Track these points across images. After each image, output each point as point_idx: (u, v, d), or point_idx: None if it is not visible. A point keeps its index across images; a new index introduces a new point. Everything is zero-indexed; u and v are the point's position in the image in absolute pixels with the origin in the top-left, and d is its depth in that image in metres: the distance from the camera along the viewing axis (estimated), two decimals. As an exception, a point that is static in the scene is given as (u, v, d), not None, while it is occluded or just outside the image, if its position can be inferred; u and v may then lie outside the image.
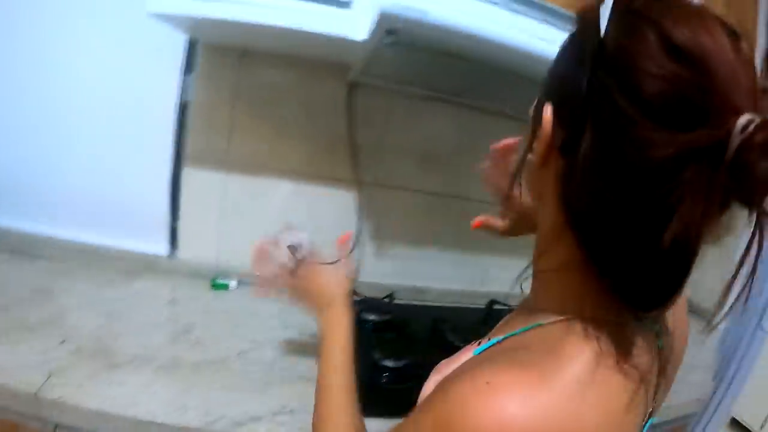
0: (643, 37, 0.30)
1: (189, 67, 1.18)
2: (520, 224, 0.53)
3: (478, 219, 0.72)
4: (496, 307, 1.43)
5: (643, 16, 0.31)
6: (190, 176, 1.23)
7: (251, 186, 1.26)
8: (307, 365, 0.95)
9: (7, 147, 1.19)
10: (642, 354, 0.38)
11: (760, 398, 2.64)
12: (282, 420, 0.78)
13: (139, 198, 1.25)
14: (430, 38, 0.74)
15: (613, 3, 0.33)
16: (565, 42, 0.39)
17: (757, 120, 0.26)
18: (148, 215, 1.26)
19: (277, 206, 1.28)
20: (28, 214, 1.21)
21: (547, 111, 0.36)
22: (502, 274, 1.56)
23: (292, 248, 0.88)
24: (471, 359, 0.42)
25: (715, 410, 1.83)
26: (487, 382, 0.32)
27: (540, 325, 0.39)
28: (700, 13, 0.31)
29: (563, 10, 0.78)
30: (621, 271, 0.34)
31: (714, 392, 1.83)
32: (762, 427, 2.66)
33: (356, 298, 1.26)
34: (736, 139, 0.26)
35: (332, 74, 1.20)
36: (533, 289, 0.45)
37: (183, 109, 1.20)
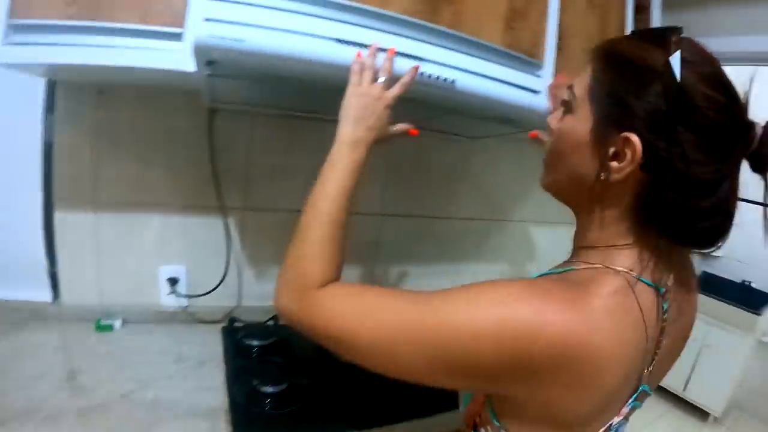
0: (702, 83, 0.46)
1: (51, 107, 1.13)
2: (557, 191, 0.60)
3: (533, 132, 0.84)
4: None
5: (688, 62, 0.46)
6: (62, 219, 1.18)
7: (123, 223, 1.23)
8: (189, 402, 0.95)
9: None
10: (651, 310, 0.49)
11: (677, 364, 2.89)
12: None
13: (15, 246, 1.19)
14: (256, 65, 0.75)
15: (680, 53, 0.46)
16: (638, 83, 0.48)
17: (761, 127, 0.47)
18: (27, 263, 1.20)
19: (151, 240, 1.26)
20: None
21: (635, 139, 0.46)
22: (393, 283, 1.61)
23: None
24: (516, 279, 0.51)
25: None
26: (550, 290, 0.46)
27: (573, 270, 0.52)
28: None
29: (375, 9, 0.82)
30: (688, 232, 0.49)
31: None
32: (684, 389, 2.87)
33: (237, 324, 1.26)
34: (755, 143, 0.46)
35: (189, 103, 1.18)
36: (583, 251, 0.55)
37: (48, 151, 1.15)
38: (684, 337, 0.60)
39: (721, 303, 2.73)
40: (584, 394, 0.46)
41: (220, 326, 1.29)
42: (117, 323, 1.22)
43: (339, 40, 0.78)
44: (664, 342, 0.52)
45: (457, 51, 0.87)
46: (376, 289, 0.56)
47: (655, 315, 0.50)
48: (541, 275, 0.55)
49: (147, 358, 1.10)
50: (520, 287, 0.47)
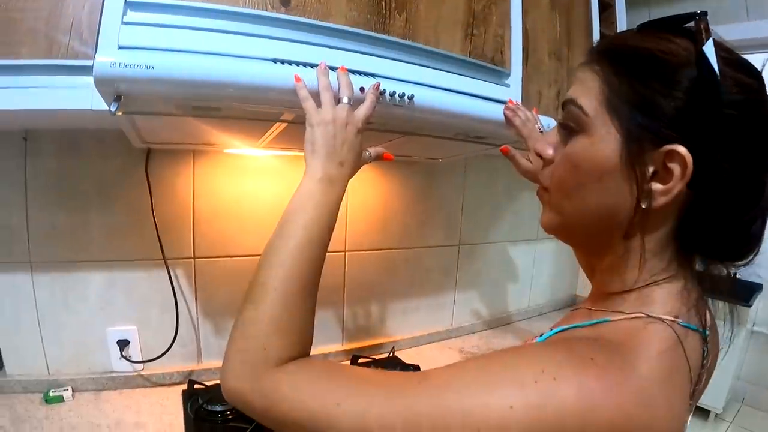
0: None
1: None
2: (561, 230, 0.47)
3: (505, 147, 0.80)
4: (362, 361, 1.35)
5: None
6: (-4, 285, 1.04)
7: (62, 283, 1.07)
8: None
9: None
10: (696, 360, 0.40)
11: (716, 383, 2.72)
12: None
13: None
14: (174, 95, 0.62)
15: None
16: (667, 82, 0.38)
17: None
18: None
19: (95, 300, 1.10)
20: None
21: (682, 150, 0.36)
22: (360, 324, 1.48)
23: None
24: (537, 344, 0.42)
25: None
26: (591, 359, 0.34)
27: (607, 321, 0.41)
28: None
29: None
30: (737, 247, 0.41)
31: None
32: (724, 409, 2.69)
33: (198, 386, 1.11)
34: None
35: (121, 145, 1.02)
36: (602, 300, 0.45)
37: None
38: (709, 379, 0.49)
39: (712, 302, 2.64)
40: None
41: (179, 389, 1.15)
42: (67, 393, 1.06)
43: (276, 60, 0.66)
44: (698, 392, 0.44)
45: (413, 63, 0.76)
46: (358, 369, 0.44)
47: (699, 364, 0.41)
48: (565, 329, 0.44)
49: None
50: (557, 359, 0.35)
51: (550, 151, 0.45)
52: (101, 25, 0.65)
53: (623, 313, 0.40)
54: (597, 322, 0.41)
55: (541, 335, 0.46)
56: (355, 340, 1.45)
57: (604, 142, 0.40)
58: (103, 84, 0.57)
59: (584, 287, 2.11)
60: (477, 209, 1.68)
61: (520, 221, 1.84)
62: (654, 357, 0.36)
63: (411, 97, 0.70)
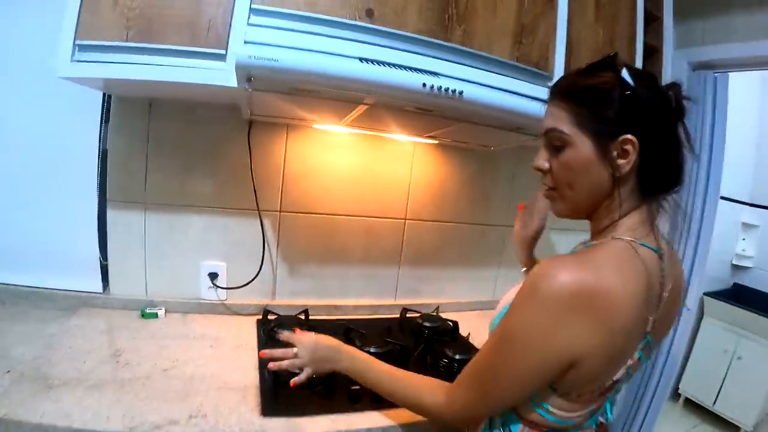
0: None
1: (107, 119, 1.31)
2: (574, 212, 0.75)
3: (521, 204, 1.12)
4: (409, 315, 1.57)
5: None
6: (114, 218, 1.35)
7: (169, 222, 1.38)
8: (223, 378, 1.07)
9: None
10: (654, 268, 0.66)
11: (707, 377, 2.89)
12: (196, 422, 0.90)
13: (71, 241, 1.36)
14: (289, 80, 0.89)
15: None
16: (607, 99, 0.66)
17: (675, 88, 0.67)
18: (81, 257, 1.37)
19: (194, 238, 1.41)
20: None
21: (629, 136, 0.64)
22: (412, 285, 1.72)
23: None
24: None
25: (657, 384, 2.07)
26: (559, 259, 0.64)
27: (592, 244, 0.70)
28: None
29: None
30: (664, 187, 0.70)
31: (652, 369, 2.07)
32: (714, 403, 2.85)
33: (271, 316, 1.38)
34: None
35: (230, 116, 1.34)
36: (595, 236, 0.74)
37: (104, 156, 1.33)
38: (677, 302, 0.75)
39: (752, 314, 2.70)
40: (603, 332, 0.61)
41: (255, 319, 1.43)
42: (161, 312, 1.37)
43: (362, 59, 0.91)
44: (665, 297, 0.68)
45: (467, 65, 0.99)
46: (470, 371, 0.75)
47: (657, 273, 0.67)
48: (573, 250, 0.75)
49: (186, 342, 1.23)
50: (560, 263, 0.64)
51: (546, 165, 0.73)
52: (231, 24, 0.93)
53: (599, 241, 0.70)
54: (588, 245, 0.71)
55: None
56: (405, 297, 1.69)
57: (583, 148, 0.67)
58: (242, 69, 0.83)
59: None
60: (523, 197, 1.84)
61: None
62: (610, 257, 0.64)
63: (461, 93, 0.93)
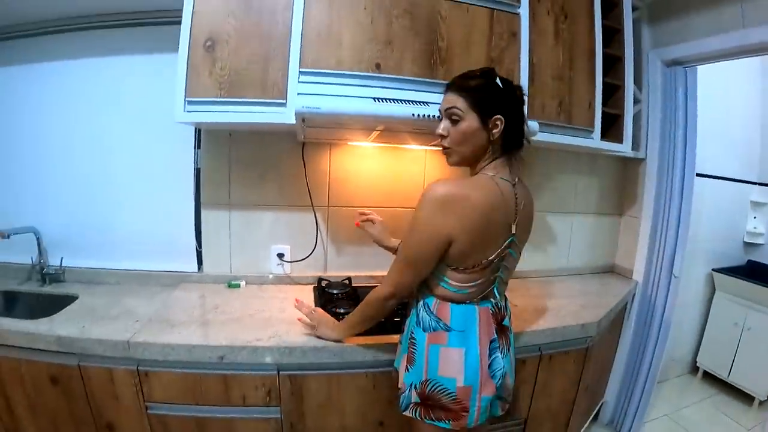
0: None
1: (198, 144, 1.82)
2: (461, 162, 1.16)
3: (358, 221, 1.64)
4: None
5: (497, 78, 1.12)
6: (206, 216, 1.85)
7: (246, 218, 1.88)
8: (291, 316, 1.52)
9: (80, 213, 1.83)
10: (508, 194, 1.11)
11: (721, 349, 3.05)
12: (273, 341, 1.31)
13: (175, 234, 1.87)
14: (329, 118, 1.36)
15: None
16: (487, 93, 1.09)
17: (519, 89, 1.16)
18: (181, 246, 1.87)
19: (265, 229, 1.91)
20: (94, 255, 1.84)
21: (499, 116, 1.08)
22: None
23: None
24: None
25: (654, 348, 2.34)
26: (437, 181, 1.07)
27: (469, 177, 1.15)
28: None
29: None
30: (516, 145, 1.15)
31: (647, 334, 2.35)
32: (729, 374, 2.98)
33: (324, 282, 1.89)
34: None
35: (288, 140, 1.81)
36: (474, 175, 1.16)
37: (198, 173, 1.83)
38: (530, 219, 1.21)
39: (760, 287, 2.83)
40: (465, 221, 1.03)
41: (311, 286, 1.90)
42: (242, 283, 1.86)
43: (375, 99, 1.39)
44: (519, 214, 1.12)
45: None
46: (396, 257, 1.17)
47: (512, 198, 1.11)
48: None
49: (263, 300, 1.69)
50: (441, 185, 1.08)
51: (443, 132, 1.12)
52: (288, 83, 1.42)
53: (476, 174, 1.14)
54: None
55: None
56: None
57: (472, 121, 1.08)
58: (298, 114, 1.32)
59: (623, 257, 2.49)
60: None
61: (558, 196, 2.33)
62: (473, 182, 1.09)
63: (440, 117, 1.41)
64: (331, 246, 1.98)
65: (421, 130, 1.49)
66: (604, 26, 1.83)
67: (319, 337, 1.35)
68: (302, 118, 1.35)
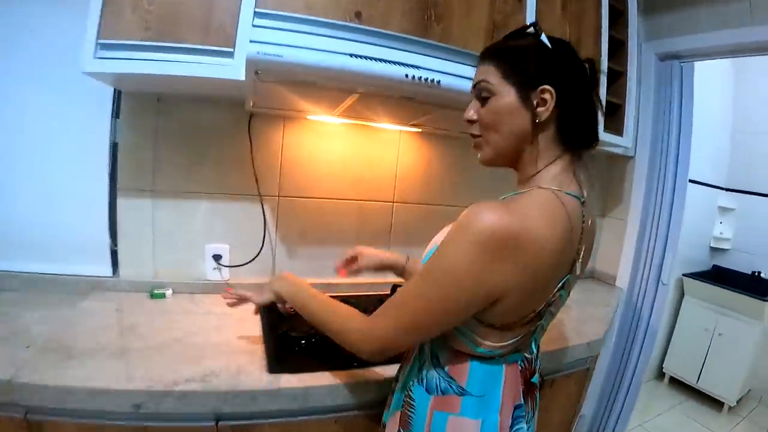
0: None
1: (117, 112, 1.46)
2: (497, 159, 0.84)
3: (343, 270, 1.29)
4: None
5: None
6: (124, 205, 1.50)
7: (175, 209, 1.53)
8: (231, 344, 1.22)
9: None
10: (574, 212, 0.75)
11: (690, 355, 3.07)
12: (209, 379, 1.01)
13: (83, 229, 1.50)
14: (291, 73, 1.05)
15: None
16: (531, 58, 0.77)
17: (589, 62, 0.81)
18: (92, 242, 1.51)
19: (199, 223, 1.56)
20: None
21: (548, 87, 0.75)
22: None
23: None
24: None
25: (638, 357, 2.22)
26: (488, 205, 0.70)
27: (519, 192, 0.78)
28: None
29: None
30: (582, 141, 0.81)
31: (632, 343, 2.22)
32: (698, 380, 3.02)
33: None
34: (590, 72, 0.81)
35: (232, 109, 1.49)
36: (522, 185, 0.83)
37: (114, 148, 1.47)
38: (591, 248, 0.85)
39: (730, 292, 2.88)
40: (527, 273, 0.70)
41: None
42: (168, 292, 1.51)
43: (351, 55, 1.07)
44: (584, 242, 0.79)
45: (444, 59, 1.15)
46: (396, 300, 0.79)
47: (579, 218, 0.77)
48: (503, 198, 0.81)
49: (194, 317, 1.37)
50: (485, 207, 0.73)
51: (473, 115, 0.83)
52: (238, 25, 1.09)
53: (524, 190, 0.78)
54: (516, 194, 0.78)
55: None
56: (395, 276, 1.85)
57: (507, 96, 0.77)
58: (251, 63, 1.00)
59: (604, 262, 2.36)
60: (502, 180, 2.00)
61: None
62: (535, 204, 0.72)
63: (438, 82, 1.10)
64: (282, 246, 1.69)
65: (410, 99, 1.21)
66: (609, 6, 1.70)
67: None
68: (256, 69, 1.03)
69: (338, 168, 1.71)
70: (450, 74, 1.14)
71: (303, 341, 1.23)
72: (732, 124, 3.27)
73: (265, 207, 1.62)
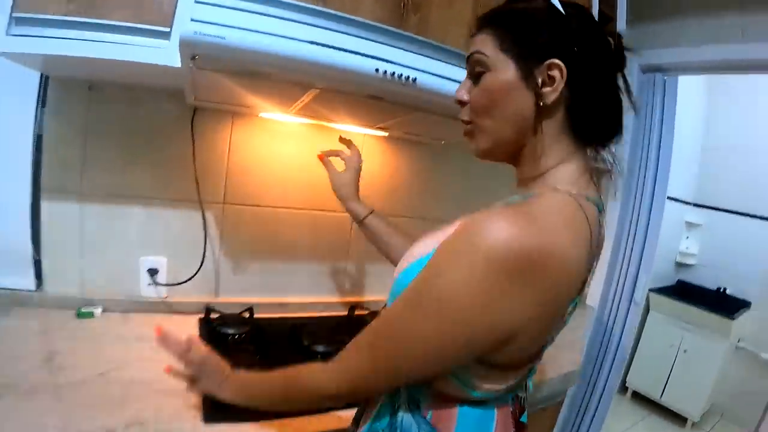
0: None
1: (43, 102, 1.24)
2: (493, 151, 0.68)
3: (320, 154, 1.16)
4: (358, 312, 1.58)
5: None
6: (49, 209, 1.28)
7: (107, 214, 1.33)
8: (164, 382, 1.01)
9: None
10: (593, 219, 0.60)
11: (654, 370, 3.04)
12: (134, 430, 0.86)
13: (4, 234, 1.28)
14: (235, 60, 0.86)
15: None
16: (538, 25, 0.61)
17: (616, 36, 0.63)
18: (12, 251, 1.29)
19: (133, 232, 1.36)
20: None
21: (557, 61, 0.59)
22: (361, 280, 1.72)
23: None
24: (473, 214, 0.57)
25: (606, 378, 2.13)
26: (499, 213, 0.53)
27: (532, 195, 0.60)
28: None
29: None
30: (600, 134, 0.65)
31: (602, 363, 2.13)
32: (661, 395, 3.01)
33: (214, 314, 1.35)
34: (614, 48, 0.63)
35: (173, 102, 1.29)
36: (526, 185, 0.67)
37: (38, 141, 1.25)
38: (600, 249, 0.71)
39: (696, 309, 2.88)
40: (547, 302, 0.54)
41: (197, 317, 1.39)
42: (98, 311, 1.31)
43: (312, 42, 0.90)
44: (597, 256, 0.65)
45: (421, 54, 0.99)
46: (371, 333, 0.63)
47: (597, 230, 0.62)
48: (508, 203, 0.62)
49: (125, 343, 1.18)
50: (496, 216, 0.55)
51: (464, 95, 0.68)
52: (177, 2, 0.90)
53: (532, 191, 0.62)
54: (527, 197, 0.59)
55: None
56: (353, 294, 1.69)
57: (505, 70, 0.62)
58: (186, 45, 0.81)
59: None
60: (475, 191, 1.90)
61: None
62: (554, 213, 0.56)
63: (414, 80, 0.94)
64: (226, 260, 1.50)
65: (379, 99, 1.04)
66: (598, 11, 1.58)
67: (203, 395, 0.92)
68: (193, 53, 0.84)
69: (293, 173, 1.53)
70: (428, 72, 0.98)
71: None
72: (702, 139, 3.28)
73: (207, 215, 1.42)
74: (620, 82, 0.64)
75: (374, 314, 1.53)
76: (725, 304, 2.90)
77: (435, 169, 1.78)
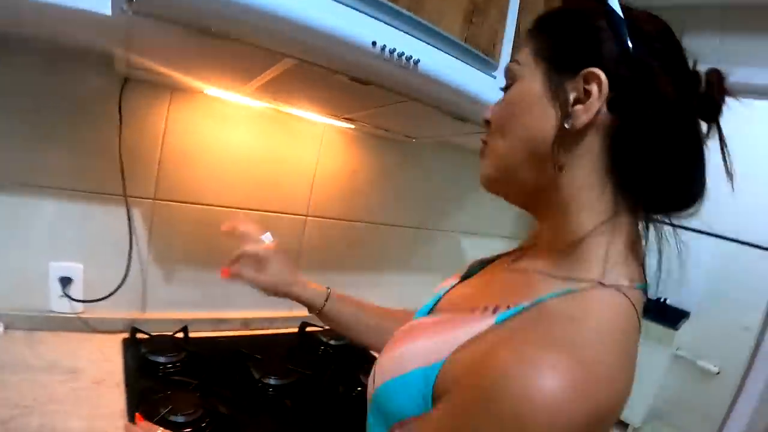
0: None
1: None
2: (498, 181, 0.53)
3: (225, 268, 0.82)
4: (310, 329, 1.41)
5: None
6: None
7: (11, 208, 1.07)
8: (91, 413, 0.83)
9: None
10: (640, 307, 0.44)
11: (636, 398, 2.97)
12: None
13: None
14: (189, 7, 0.62)
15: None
16: (583, 27, 0.47)
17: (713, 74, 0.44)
18: None
19: (41, 230, 1.10)
20: None
21: (597, 70, 0.43)
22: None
23: None
24: (495, 329, 0.43)
25: None
26: (531, 356, 0.35)
27: (570, 291, 0.42)
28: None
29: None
30: (659, 193, 0.45)
31: None
32: (643, 422, 2.93)
33: (141, 336, 1.15)
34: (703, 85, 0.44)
35: (100, 69, 1.06)
36: (553, 256, 0.48)
37: None
38: None
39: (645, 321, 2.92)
40: None
41: (120, 337, 1.17)
42: (-1, 328, 1.06)
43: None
44: None
45: (417, 38, 0.82)
46: None
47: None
48: (532, 305, 0.43)
49: (32, 375, 0.94)
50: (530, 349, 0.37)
51: (488, 113, 0.54)
52: None
53: (584, 281, 0.43)
54: (565, 292, 0.43)
55: (495, 310, 0.46)
56: (304, 308, 1.49)
57: (532, 78, 0.48)
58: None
59: None
60: (441, 195, 1.80)
61: (480, 215, 1.97)
62: (608, 331, 0.40)
63: (417, 61, 0.77)
64: (156, 267, 1.26)
65: (365, 84, 0.86)
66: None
67: None
68: None
69: (240, 166, 1.33)
70: (431, 55, 0.81)
71: (189, 430, 0.84)
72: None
73: (133, 213, 1.19)
74: (705, 129, 0.45)
75: (328, 332, 1.36)
76: (668, 315, 2.96)
77: (401, 170, 1.64)
